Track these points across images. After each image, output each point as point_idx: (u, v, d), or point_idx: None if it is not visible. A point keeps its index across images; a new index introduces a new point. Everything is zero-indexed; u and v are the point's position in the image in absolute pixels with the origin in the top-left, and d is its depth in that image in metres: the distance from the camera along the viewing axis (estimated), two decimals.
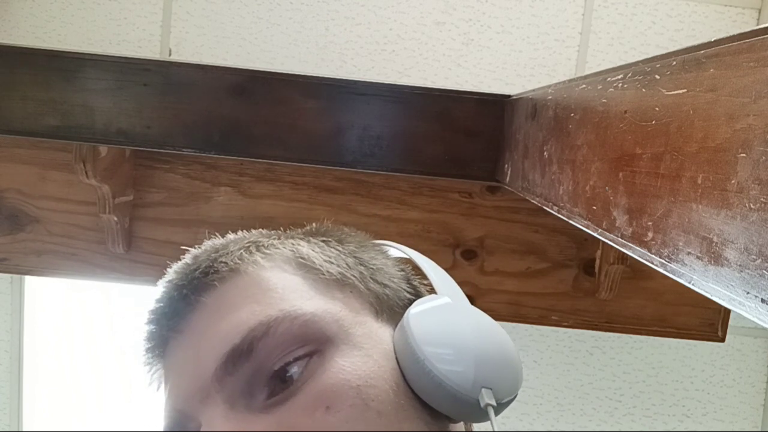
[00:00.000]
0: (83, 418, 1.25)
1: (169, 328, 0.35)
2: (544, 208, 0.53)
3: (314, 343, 0.31)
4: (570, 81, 0.50)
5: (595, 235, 0.40)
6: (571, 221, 0.46)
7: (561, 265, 0.97)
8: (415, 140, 0.76)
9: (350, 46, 1.04)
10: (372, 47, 1.04)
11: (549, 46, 1.05)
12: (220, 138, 0.75)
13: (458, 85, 1.05)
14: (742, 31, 0.26)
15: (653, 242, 0.31)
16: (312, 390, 0.30)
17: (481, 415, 0.31)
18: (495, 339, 0.34)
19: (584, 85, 0.46)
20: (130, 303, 1.23)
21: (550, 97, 0.55)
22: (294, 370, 0.30)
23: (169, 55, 1.04)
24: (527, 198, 0.61)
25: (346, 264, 0.37)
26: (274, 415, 0.29)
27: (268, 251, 0.37)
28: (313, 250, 0.37)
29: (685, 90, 0.30)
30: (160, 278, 0.38)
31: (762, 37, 0.24)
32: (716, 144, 0.26)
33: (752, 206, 0.23)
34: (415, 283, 0.41)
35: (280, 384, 0.30)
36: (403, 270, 0.42)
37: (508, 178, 0.70)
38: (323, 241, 0.39)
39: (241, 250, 0.37)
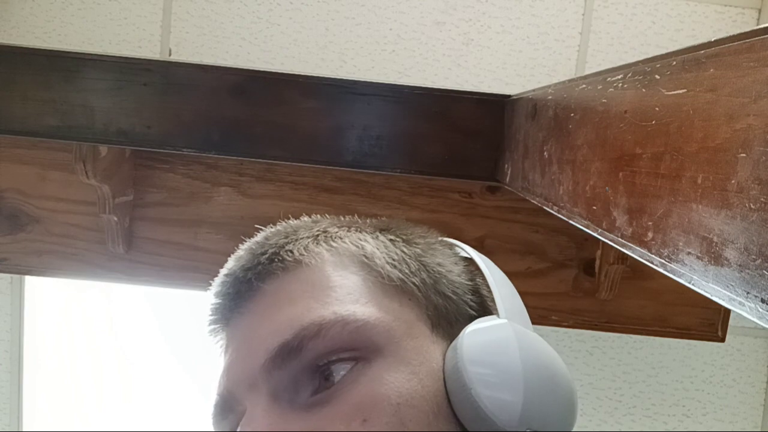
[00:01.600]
0: (83, 418, 1.25)
1: (231, 308, 0.36)
2: (544, 208, 0.53)
3: (362, 350, 0.31)
4: (570, 81, 0.50)
5: (595, 235, 0.40)
6: (571, 221, 0.46)
7: (561, 265, 0.97)
8: (415, 140, 0.76)
9: (350, 46, 1.04)
10: (372, 47, 1.04)
11: (549, 46, 1.05)
12: (220, 138, 0.75)
13: (458, 85, 1.05)
14: (742, 31, 0.26)
15: (653, 242, 0.31)
16: (352, 399, 0.30)
17: None
18: (552, 375, 0.32)
19: (584, 85, 0.46)
20: (130, 303, 1.23)
21: (550, 97, 0.55)
22: (338, 371, 0.31)
23: (169, 55, 1.04)
24: (527, 198, 0.61)
25: (409, 270, 0.36)
26: (312, 417, 0.30)
27: (334, 244, 0.37)
28: (378, 250, 0.37)
29: (685, 90, 0.30)
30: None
31: (762, 37, 0.24)
32: (716, 144, 0.26)
33: (752, 206, 0.23)
34: (484, 292, 0.39)
35: (323, 382, 0.31)
36: (472, 279, 0.40)
37: (508, 178, 0.70)
38: (390, 240, 0.39)
39: (309, 240, 0.37)
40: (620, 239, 0.35)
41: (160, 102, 0.74)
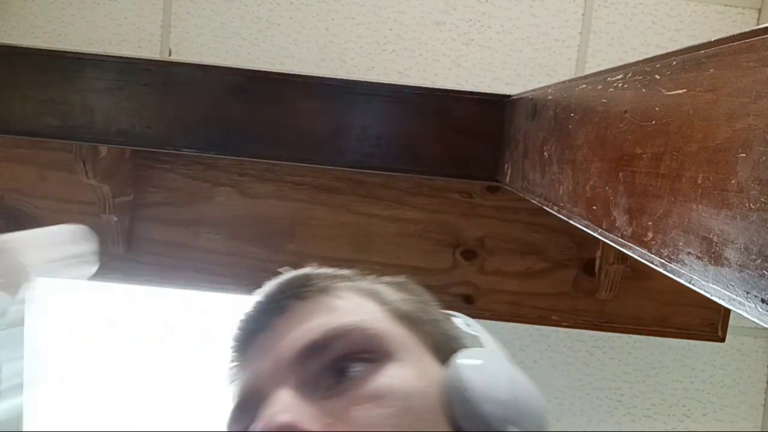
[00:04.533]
0: (83, 418, 1.25)
1: (254, 330, 0.41)
2: (544, 208, 0.53)
3: (377, 353, 0.37)
4: (570, 81, 0.50)
5: (595, 235, 0.40)
6: (571, 221, 0.46)
7: (561, 265, 0.97)
8: (415, 140, 0.76)
9: (350, 46, 1.04)
10: (372, 47, 1.04)
11: (549, 46, 1.05)
12: (220, 138, 0.75)
13: (458, 85, 1.05)
14: (742, 31, 0.26)
15: (653, 242, 0.31)
16: (365, 388, 0.35)
17: None
18: (529, 390, 0.39)
19: (584, 85, 0.46)
20: (130, 303, 1.23)
21: (550, 97, 0.55)
22: (354, 368, 0.36)
23: (169, 55, 1.04)
24: (527, 198, 0.61)
25: (414, 308, 0.44)
26: (329, 402, 0.35)
27: (352, 282, 0.45)
28: (389, 290, 0.45)
29: (685, 90, 0.30)
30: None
31: (762, 37, 0.24)
32: (716, 144, 0.26)
33: (752, 206, 0.23)
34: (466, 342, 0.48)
35: (341, 378, 0.36)
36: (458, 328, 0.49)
37: (508, 178, 0.70)
38: (395, 286, 0.47)
39: (330, 280, 0.44)
40: (620, 239, 0.35)
41: (160, 102, 0.74)
